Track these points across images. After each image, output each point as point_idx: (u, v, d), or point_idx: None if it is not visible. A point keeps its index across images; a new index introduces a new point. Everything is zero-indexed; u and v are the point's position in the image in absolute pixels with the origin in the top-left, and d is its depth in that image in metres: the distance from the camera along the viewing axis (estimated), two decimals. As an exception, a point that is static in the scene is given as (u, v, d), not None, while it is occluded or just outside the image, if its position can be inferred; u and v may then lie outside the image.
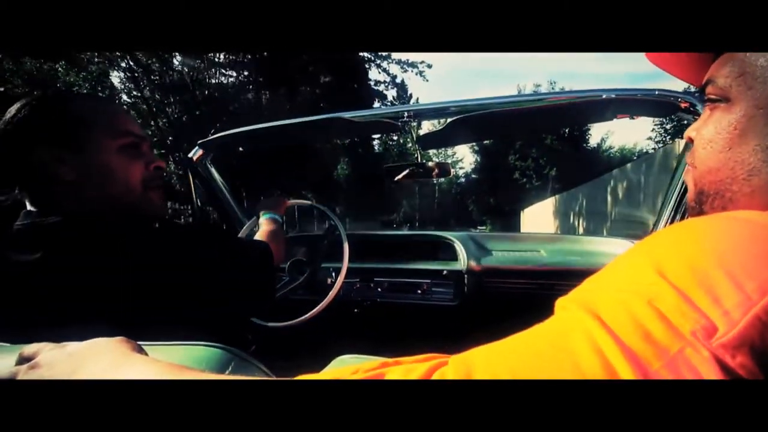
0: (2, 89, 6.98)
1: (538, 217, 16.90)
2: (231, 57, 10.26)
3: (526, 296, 1.28)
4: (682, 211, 0.95)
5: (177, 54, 9.12)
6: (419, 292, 1.40)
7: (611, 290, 0.24)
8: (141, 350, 0.33)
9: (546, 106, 0.99)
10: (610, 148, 28.56)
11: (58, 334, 0.34)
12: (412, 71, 13.12)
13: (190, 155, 1.23)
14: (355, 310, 1.44)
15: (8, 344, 0.38)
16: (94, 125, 0.57)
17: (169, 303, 0.54)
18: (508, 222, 23.98)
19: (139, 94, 9.71)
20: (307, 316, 1.10)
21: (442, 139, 1.14)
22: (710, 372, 0.18)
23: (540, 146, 23.93)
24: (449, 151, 30.91)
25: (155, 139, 9.23)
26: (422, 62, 13.04)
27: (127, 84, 9.83)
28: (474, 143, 23.79)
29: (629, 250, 0.26)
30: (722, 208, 0.33)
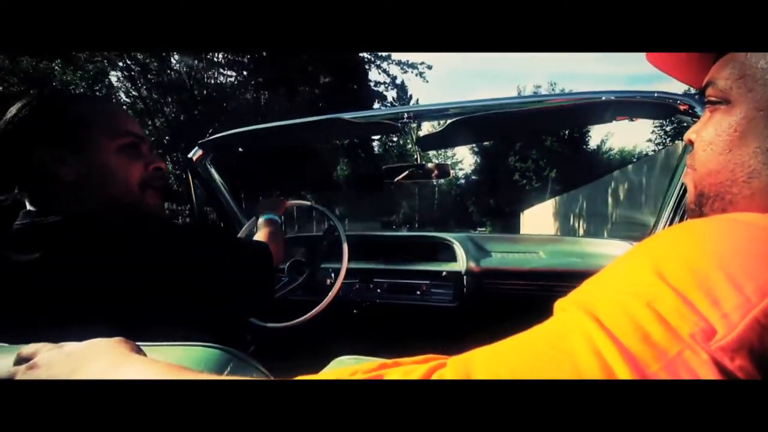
0: (0, 88, 6.98)
1: (538, 218, 16.92)
2: (230, 57, 10.23)
3: (525, 298, 1.28)
4: (681, 213, 0.95)
5: (175, 53, 9.10)
6: (418, 293, 1.40)
7: (610, 292, 0.24)
8: (139, 351, 0.33)
9: (546, 108, 0.99)
10: (610, 149, 28.58)
11: (57, 334, 0.34)
12: (412, 72, 13.20)
13: (189, 155, 1.22)
14: (354, 311, 1.44)
15: (7, 344, 0.38)
16: (93, 125, 0.57)
17: (168, 303, 0.54)
18: (508, 223, 24.00)
19: (136, 94, 9.65)
20: (306, 316, 1.09)
21: (442, 140, 1.13)
22: (708, 374, 0.18)
23: (540, 148, 23.93)
24: (449, 153, 30.94)
25: (153, 138, 9.20)
26: (422, 63, 13.10)
27: (124, 83, 9.78)
28: (474, 144, 23.84)
29: (628, 251, 0.26)
30: (722, 211, 0.33)
